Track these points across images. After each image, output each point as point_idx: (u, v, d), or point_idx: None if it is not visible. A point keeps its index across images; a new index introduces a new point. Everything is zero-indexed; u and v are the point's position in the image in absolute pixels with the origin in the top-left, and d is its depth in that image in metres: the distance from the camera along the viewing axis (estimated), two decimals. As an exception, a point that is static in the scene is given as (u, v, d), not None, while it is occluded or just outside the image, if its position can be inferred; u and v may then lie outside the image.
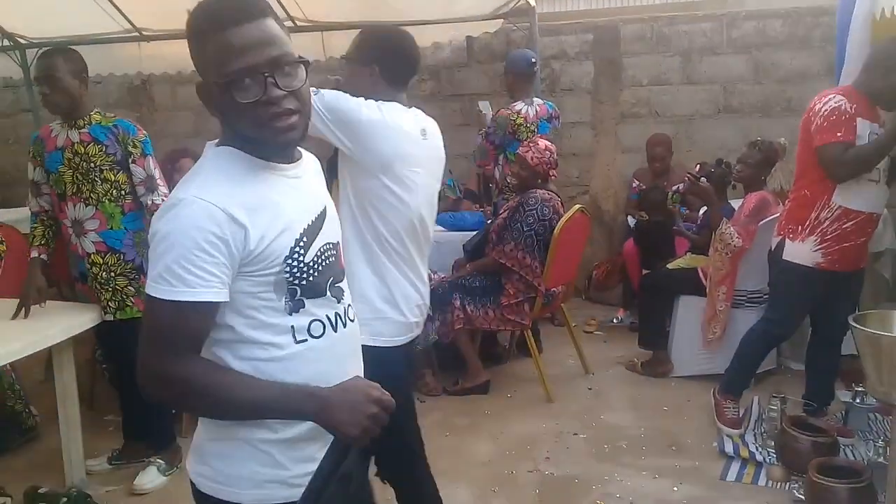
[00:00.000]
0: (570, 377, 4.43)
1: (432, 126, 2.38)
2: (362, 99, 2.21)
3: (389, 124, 2.20)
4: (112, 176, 3.18)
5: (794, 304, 3.60)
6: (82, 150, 3.17)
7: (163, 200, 2.97)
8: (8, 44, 5.78)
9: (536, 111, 4.75)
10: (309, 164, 1.53)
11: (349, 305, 1.53)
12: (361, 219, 2.23)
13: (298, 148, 1.48)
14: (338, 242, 1.52)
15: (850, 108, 3.28)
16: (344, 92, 2.22)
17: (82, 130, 3.19)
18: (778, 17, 5.66)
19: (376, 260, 2.25)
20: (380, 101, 2.22)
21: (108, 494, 3.35)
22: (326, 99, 2.18)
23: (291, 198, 1.41)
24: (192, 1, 4.20)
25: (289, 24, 5.64)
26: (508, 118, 4.67)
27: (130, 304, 3.25)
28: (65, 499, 3.16)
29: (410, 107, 2.32)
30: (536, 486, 3.33)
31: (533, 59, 4.86)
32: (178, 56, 6.13)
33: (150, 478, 3.38)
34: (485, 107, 5.05)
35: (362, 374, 1.52)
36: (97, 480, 3.45)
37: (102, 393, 4.10)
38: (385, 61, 2.27)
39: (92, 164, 3.14)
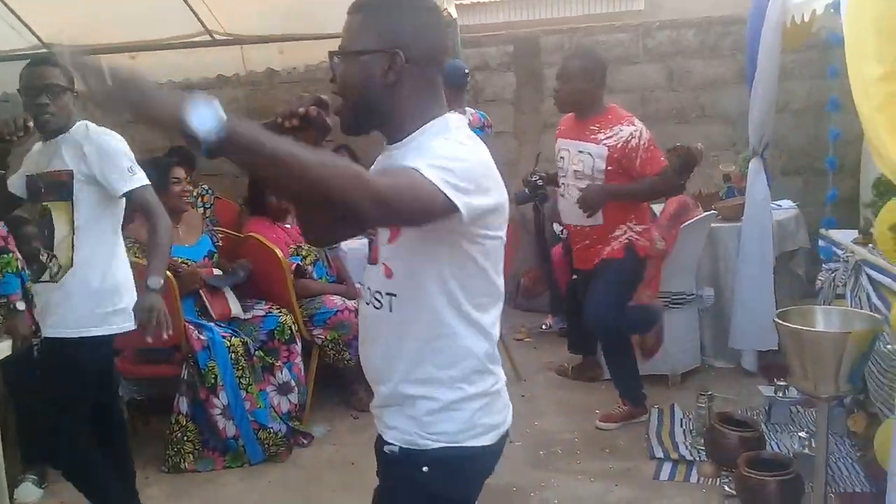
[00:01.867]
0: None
1: None
2: None
3: None
4: None
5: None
6: None
7: None
8: None
9: (470, 120, 4.78)
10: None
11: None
12: None
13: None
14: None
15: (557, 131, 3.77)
16: None
17: None
18: (690, 27, 5.85)
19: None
20: None
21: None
22: None
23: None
24: (103, 17, 4.01)
25: (206, 38, 5.53)
26: None
27: None
28: None
29: None
30: (474, 495, 3.32)
31: (466, 70, 4.90)
32: (89, 72, 5.95)
33: (28, 492, 3.50)
34: None
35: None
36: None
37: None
38: None
39: None
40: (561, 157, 3.69)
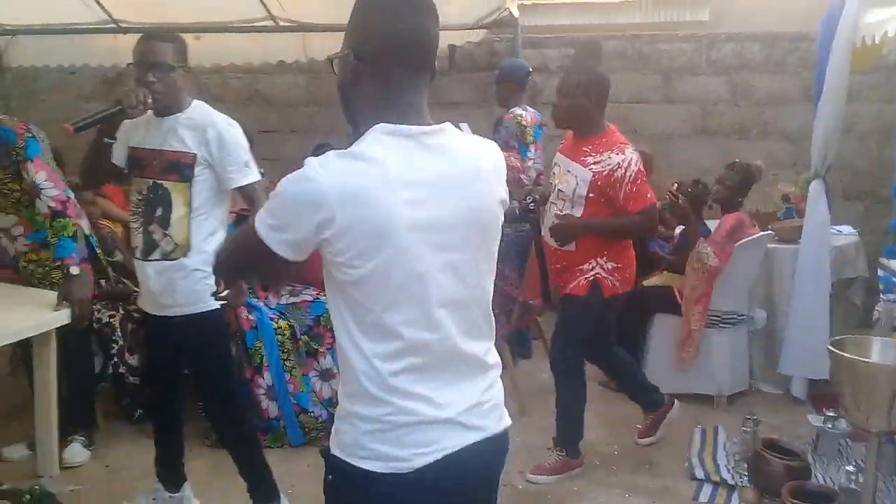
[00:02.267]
0: (543, 391, 4.38)
1: None
2: None
3: None
4: (18, 186, 3.21)
5: None
6: None
7: (50, 205, 3.07)
8: (-21, 29, 5.64)
9: (531, 117, 4.77)
10: None
11: None
12: None
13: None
14: None
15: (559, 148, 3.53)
16: None
17: None
18: (756, 41, 5.74)
19: None
20: None
21: (72, 494, 3.30)
22: None
23: None
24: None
25: (270, 23, 5.58)
26: (515, 120, 4.67)
27: None
28: (27, 496, 3.08)
29: None
30: (509, 501, 3.30)
31: (529, 70, 4.89)
32: (155, 50, 6.03)
33: (76, 452, 3.62)
34: (465, 129, 5.01)
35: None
36: (63, 479, 3.40)
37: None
38: None
39: None
40: (553, 173, 3.52)
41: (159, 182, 2.75)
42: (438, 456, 1.48)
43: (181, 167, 2.73)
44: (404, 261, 1.41)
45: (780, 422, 3.95)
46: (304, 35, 5.74)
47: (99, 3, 5.47)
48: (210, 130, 2.72)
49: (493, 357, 1.61)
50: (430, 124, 1.48)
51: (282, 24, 5.63)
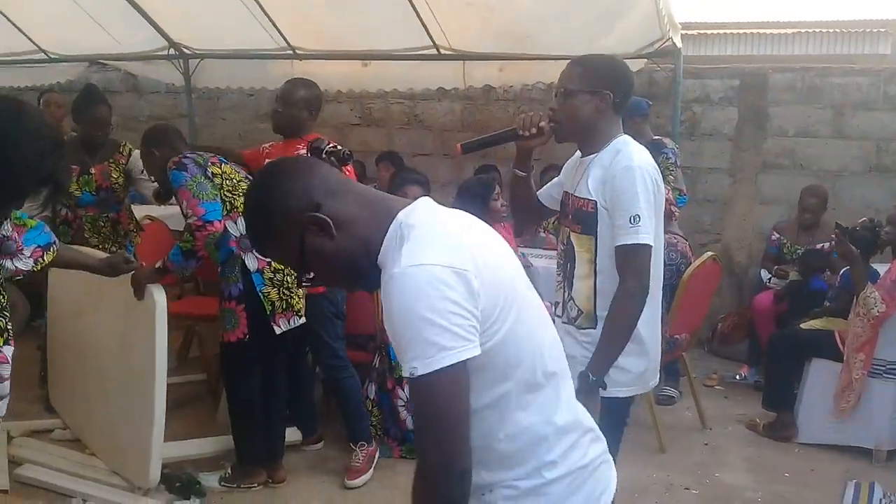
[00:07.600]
0: (685, 429, 4.27)
1: None
2: None
3: None
4: None
5: None
6: None
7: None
8: (173, 53, 6.18)
9: None
10: None
11: None
12: None
13: None
14: None
15: None
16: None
17: None
18: (942, 76, 5.36)
19: None
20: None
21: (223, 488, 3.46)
22: None
23: None
24: (344, 26, 4.36)
25: (433, 51, 5.78)
26: None
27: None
28: (178, 484, 3.36)
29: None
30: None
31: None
32: (326, 75, 6.34)
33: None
34: None
35: None
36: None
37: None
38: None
39: None
40: None
41: (565, 229, 2.36)
42: (611, 496, 1.49)
43: (585, 216, 2.26)
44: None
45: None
46: (464, 63, 5.90)
47: (280, 32, 5.86)
48: (612, 169, 2.20)
49: None
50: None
51: (444, 52, 5.82)
